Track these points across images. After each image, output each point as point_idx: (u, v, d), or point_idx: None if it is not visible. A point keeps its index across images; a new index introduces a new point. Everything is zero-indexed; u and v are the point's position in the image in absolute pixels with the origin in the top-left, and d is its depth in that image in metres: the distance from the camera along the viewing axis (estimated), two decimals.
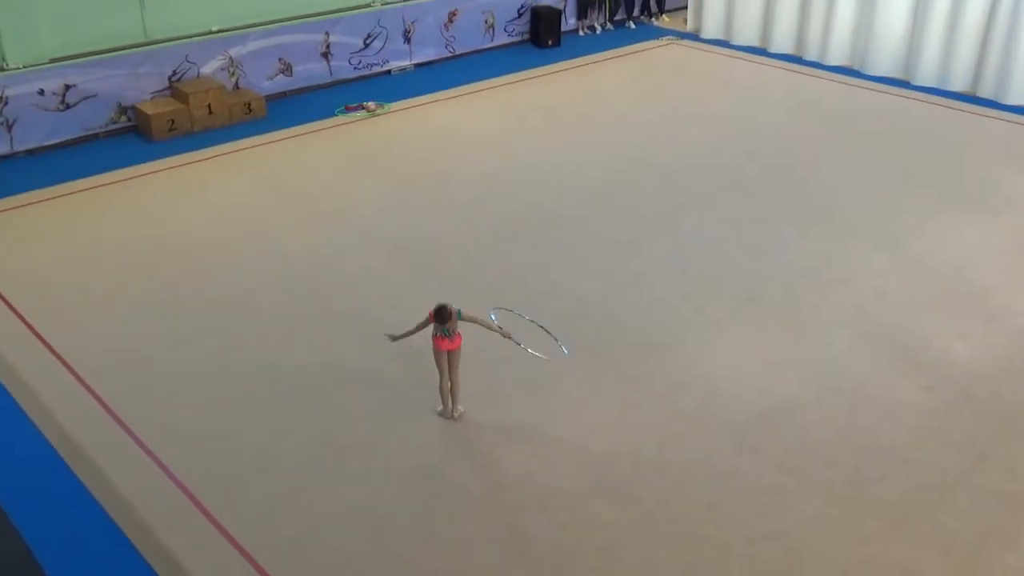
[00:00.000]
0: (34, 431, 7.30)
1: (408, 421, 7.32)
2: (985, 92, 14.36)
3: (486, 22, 16.73)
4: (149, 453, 7.01)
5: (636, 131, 13.10)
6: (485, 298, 8.54)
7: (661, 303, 8.88)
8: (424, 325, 7.12)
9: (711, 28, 17.48)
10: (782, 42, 16.66)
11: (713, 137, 12.85)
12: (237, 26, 14.02)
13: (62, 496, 6.66)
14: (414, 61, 15.98)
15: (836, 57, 15.94)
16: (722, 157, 12.20)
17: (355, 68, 15.28)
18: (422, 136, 13.05)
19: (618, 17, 18.45)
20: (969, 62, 14.49)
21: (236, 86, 14.03)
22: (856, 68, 15.71)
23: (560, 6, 17.49)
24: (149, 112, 12.81)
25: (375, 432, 7.21)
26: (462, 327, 7.07)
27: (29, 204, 11.07)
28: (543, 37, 17.00)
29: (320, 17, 14.74)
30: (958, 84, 14.64)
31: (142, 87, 13.18)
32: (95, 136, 12.96)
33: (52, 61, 12.53)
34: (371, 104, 13.95)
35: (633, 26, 18.39)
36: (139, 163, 12.12)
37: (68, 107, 12.64)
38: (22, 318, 8.75)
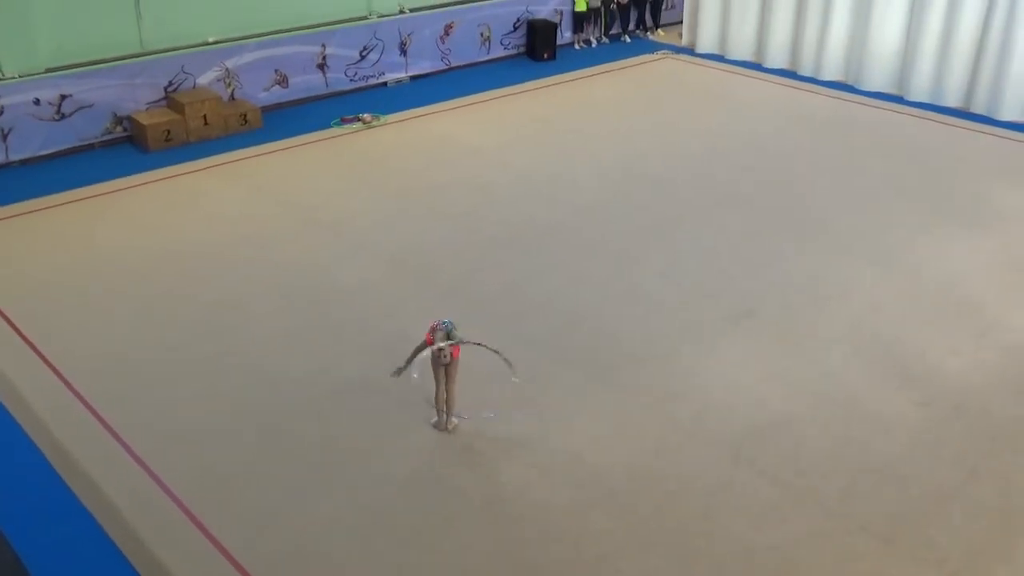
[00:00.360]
0: (26, 440, 7.27)
1: (403, 431, 7.31)
2: (978, 108, 14.46)
3: (482, 35, 16.80)
4: (141, 462, 6.98)
5: (631, 144, 13.14)
6: (481, 308, 8.56)
7: (656, 315, 8.90)
8: (421, 348, 7.07)
9: (706, 43, 17.58)
10: (777, 57, 16.76)
11: (708, 150, 12.90)
12: (233, 37, 14.06)
13: (53, 506, 6.62)
14: (410, 73, 16.03)
15: (830, 72, 16.03)
16: (717, 170, 12.25)
17: (351, 80, 15.31)
18: (418, 148, 13.07)
19: (614, 31, 18.54)
20: (962, 78, 14.59)
21: (232, 97, 14.05)
22: (850, 83, 15.80)
23: (556, 20, 17.58)
24: (145, 122, 12.82)
25: (370, 442, 7.20)
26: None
27: (24, 214, 11.05)
28: (539, 50, 17.07)
29: (316, 29, 14.79)
30: (951, 100, 14.74)
31: (138, 97, 13.20)
32: (91, 146, 12.94)
33: (48, 71, 12.54)
34: (367, 116, 13.98)
35: (628, 40, 18.48)
36: (134, 173, 12.12)
37: (64, 117, 12.63)
38: (15, 327, 8.72)
